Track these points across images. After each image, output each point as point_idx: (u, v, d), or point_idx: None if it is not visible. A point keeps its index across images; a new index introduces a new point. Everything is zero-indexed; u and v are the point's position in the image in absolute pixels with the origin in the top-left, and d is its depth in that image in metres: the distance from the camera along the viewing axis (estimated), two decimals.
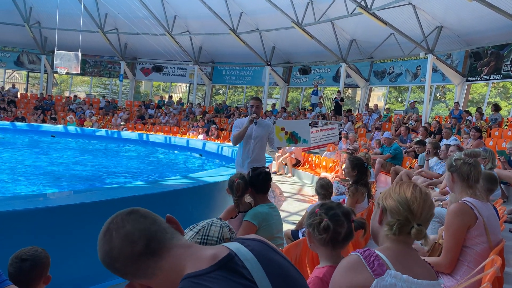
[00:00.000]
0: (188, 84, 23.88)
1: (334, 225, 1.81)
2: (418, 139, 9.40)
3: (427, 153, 7.12)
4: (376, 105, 15.79)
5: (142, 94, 28.15)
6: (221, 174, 6.71)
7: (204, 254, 1.02)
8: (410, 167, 8.32)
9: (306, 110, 17.55)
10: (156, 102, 21.50)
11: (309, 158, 11.30)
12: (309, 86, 19.69)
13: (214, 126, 16.87)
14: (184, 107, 20.78)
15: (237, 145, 5.08)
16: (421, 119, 13.28)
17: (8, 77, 27.00)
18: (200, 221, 1.73)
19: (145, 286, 1.05)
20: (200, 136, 16.45)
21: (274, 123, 5.02)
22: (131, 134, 16.28)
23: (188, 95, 24.18)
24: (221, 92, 27.37)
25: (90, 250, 4.09)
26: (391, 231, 1.49)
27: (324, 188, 4.07)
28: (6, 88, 21.69)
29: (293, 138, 4.91)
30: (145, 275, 1.03)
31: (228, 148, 12.45)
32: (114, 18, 19.42)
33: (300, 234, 4.04)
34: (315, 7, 15.52)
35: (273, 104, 20.12)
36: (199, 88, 23.61)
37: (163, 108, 20.17)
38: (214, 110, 20.06)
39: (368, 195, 4.33)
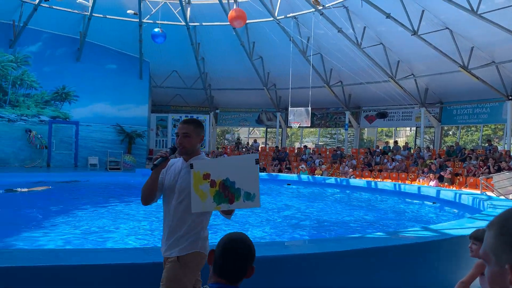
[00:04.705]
0: (413, 128, 23.03)
1: None
2: None
3: None
4: None
5: (365, 141, 28.54)
6: (465, 227, 6.11)
7: None
8: None
9: None
10: (381, 148, 21.37)
11: None
12: None
13: (448, 170, 15.63)
14: (412, 151, 19.99)
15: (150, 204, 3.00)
16: None
17: (249, 133, 31.51)
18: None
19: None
20: (432, 183, 15.44)
21: (192, 166, 2.69)
22: (359, 182, 16.51)
23: (415, 138, 23.25)
24: (450, 133, 25.36)
25: None
26: None
27: None
28: (250, 143, 25.25)
29: (227, 193, 2.62)
30: None
31: (466, 195, 11.30)
32: (339, 72, 20.64)
33: None
34: None
35: None
36: (426, 131, 22.43)
37: (389, 154, 19.88)
38: (445, 153, 18.63)
39: None
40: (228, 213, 2.77)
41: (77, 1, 18.13)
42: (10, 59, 19.29)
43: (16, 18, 18.51)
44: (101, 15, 19.16)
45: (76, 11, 18.92)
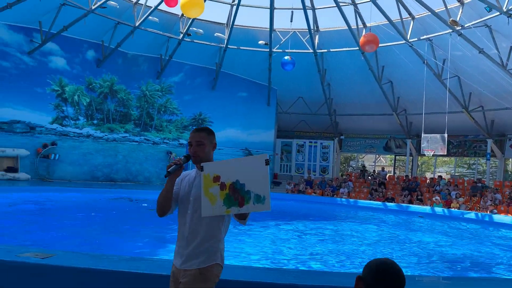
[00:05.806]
0: None
1: None
2: None
3: None
4: None
5: (509, 173, 25.30)
6: None
7: None
8: None
9: None
10: None
11: None
12: None
13: None
14: None
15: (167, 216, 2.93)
16: None
17: (376, 161, 30.34)
18: None
19: None
20: None
21: (202, 169, 2.67)
22: (505, 218, 14.63)
23: None
24: None
25: None
26: None
27: None
28: (376, 171, 24.23)
29: (236, 195, 2.55)
30: None
31: None
32: (479, 96, 18.84)
33: None
34: None
35: None
36: None
37: None
38: None
39: None
40: (242, 218, 2.66)
41: (215, 35, 19.74)
42: (157, 88, 21.69)
43: (163, 52, 20.83)
44: (235, 47, 20.54)
45: (214, 44, 20.60)
